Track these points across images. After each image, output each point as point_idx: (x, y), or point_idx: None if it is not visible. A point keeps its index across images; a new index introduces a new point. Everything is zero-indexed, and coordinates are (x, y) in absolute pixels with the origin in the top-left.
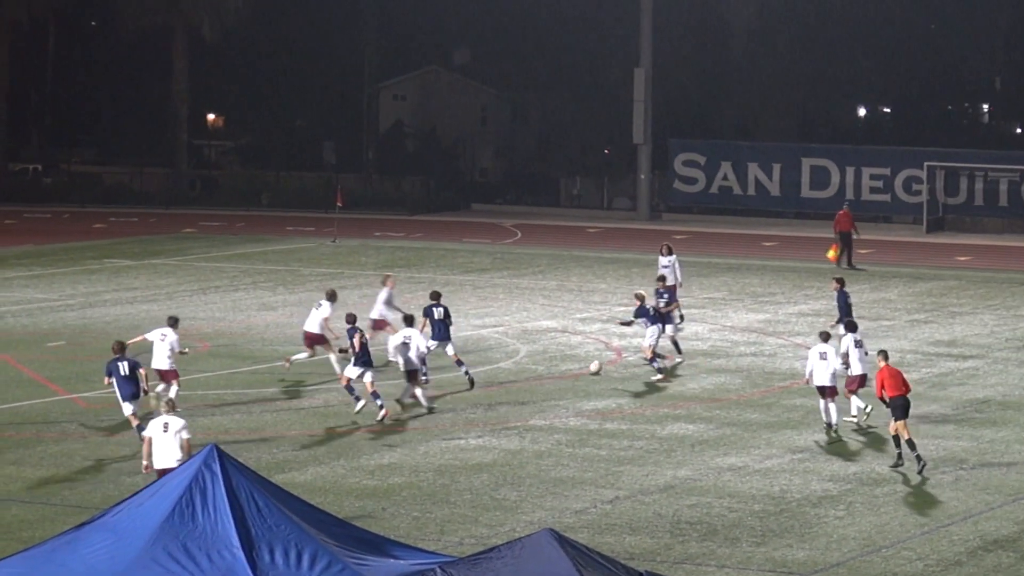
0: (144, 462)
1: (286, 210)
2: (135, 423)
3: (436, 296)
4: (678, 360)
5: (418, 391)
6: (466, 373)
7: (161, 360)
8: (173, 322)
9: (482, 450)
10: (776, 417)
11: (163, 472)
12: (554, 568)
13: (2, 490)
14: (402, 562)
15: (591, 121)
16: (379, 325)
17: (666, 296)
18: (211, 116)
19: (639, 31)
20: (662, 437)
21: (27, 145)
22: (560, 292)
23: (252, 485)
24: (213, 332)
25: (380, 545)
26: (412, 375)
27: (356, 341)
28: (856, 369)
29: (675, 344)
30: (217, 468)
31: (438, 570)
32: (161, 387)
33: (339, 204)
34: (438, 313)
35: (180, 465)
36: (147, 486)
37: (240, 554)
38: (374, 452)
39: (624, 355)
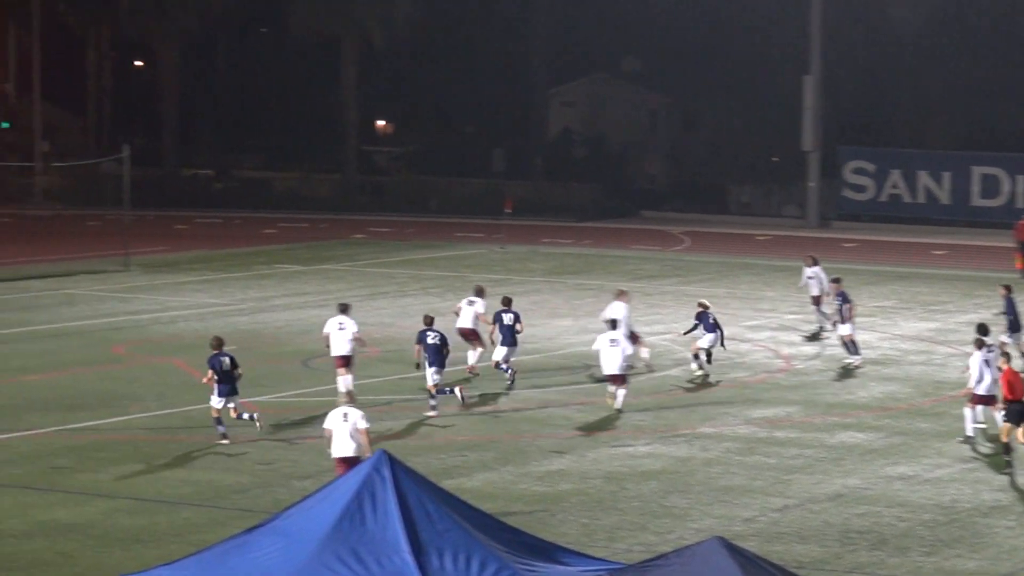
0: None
1: (455, 216)
2: (215, 415)
3: (507, 302)
4: (854, 362)
5: (620, 392)
6: (508, 372)
7: (341, 346)
8: (345, 308)
9: (651, 457)
10: (946, 427)
11: (343, 460)
12: None
13: (174, 493)
14: (571, 568)
15: (760, 128)
16: (634, 338)
17: (839, 299)
18: (380, 122)
19: (809, 38)
20: (831, 445)
21: (198, 151)
22: (729, 299)
23: (422, 490)
24: (383, 337)
25: (549, 551)
26: (616, 379)
27: (428, 343)
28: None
29: (853, 344)
30: (387, 473)
31: None
32: (345, 379)
33: (508, 210)
34: (507, 319)
35: (358, 454)
36: (317, 490)
37: (409, 559)
38: (543, 458)
39: (793, 363)
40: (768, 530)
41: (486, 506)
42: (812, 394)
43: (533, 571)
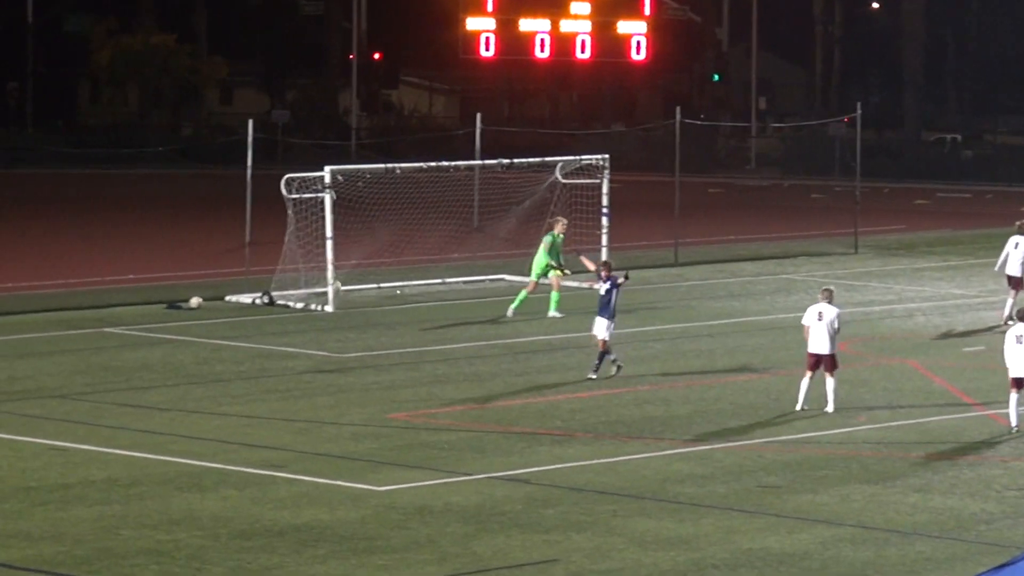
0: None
1: None
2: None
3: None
4: None
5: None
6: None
7: (1014, 268)
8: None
9: None
10: None
11: (816, 357)
12: None
13: (907, 521)
14: None
15: None
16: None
17: None
18: None
19: None
20: None
21: (945, 111)
22: None
23: None
24: None
25: None
26: None
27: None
28: None
29: None
30: None
31: None
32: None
33: None
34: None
35: (832, 352)
36: None
37: None
38: None
39: None
40: None
41: None
42: None
43: None
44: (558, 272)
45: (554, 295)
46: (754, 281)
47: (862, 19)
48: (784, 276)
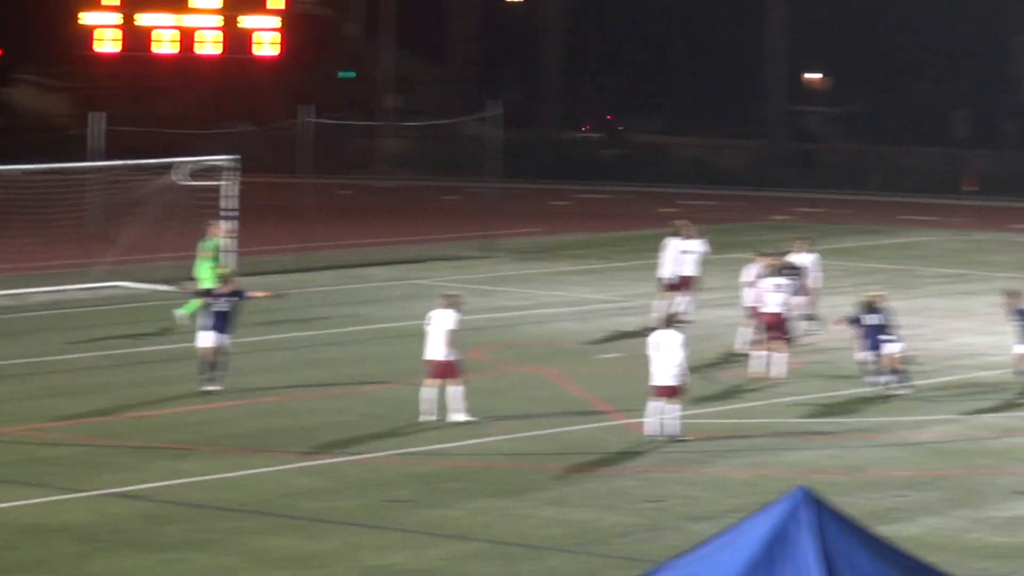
0: None
1: (901, 194)
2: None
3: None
4: None
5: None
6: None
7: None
8: None
9: None
10: None
11: (433, 364)
12: None
13: (539, 535)
14: None
15: None
16: None
17: None
18: (812, 76)
19: None
20: None
21: (584, 110)
22: None
23: (851, 539)
24: (805, 345)
25: None
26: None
27: None
28: None
29: None
30: (807, 517)
31: None
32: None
33: (969, 188)
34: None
35: (449, 358)
36: (717, 536)
37: None
38: (1003, 500)
39: None
40: None
41: (930, 558)
42: None
43: None
44: (225, 273)
45: (196, 302)
46: (384, 287)
47: (500, 14)
48: (415, 281)
